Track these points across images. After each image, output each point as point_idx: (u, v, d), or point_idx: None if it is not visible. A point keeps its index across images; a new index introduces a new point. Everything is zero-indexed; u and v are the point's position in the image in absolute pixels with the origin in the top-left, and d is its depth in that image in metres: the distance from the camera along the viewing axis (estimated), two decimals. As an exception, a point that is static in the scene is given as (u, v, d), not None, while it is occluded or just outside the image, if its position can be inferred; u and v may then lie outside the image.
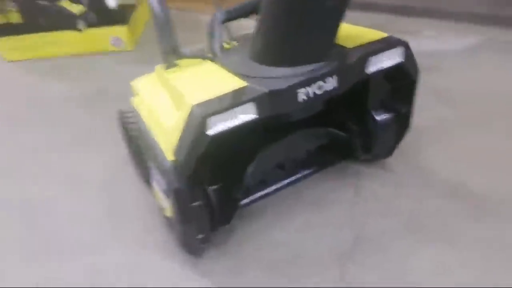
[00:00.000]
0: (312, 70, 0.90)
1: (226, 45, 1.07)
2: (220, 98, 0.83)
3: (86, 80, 2.07)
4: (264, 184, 1.19)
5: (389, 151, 1.23)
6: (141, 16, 2.56)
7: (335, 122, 1.22)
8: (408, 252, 1.01)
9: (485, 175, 1.21)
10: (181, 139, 0.83)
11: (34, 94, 1.99)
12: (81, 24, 2.29)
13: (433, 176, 1.23)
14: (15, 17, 2.26)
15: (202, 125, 0.79)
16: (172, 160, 0.86)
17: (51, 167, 1.45)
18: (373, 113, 1.16)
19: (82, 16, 2.27)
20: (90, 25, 2.30)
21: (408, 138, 1.18)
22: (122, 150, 1.38)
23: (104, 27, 2.30)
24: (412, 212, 1.12)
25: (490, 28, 2.14)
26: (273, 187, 1.20)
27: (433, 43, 2.06)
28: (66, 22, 2.28)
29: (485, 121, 1.45)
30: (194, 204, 0.91)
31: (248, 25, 1.02)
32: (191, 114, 0.81)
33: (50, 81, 2.10)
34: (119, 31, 2.31)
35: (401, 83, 1.09)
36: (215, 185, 1.02)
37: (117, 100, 1.30)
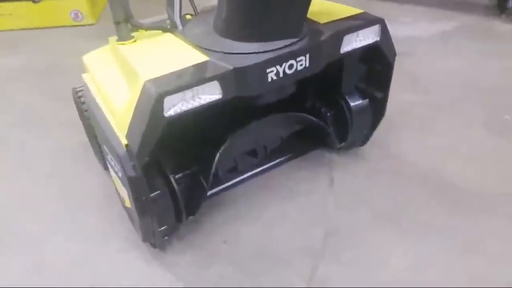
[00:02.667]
0: (283, 46, 0.81)
1: (188, 16, 0.97)
2: (178, 74, 0.73)
3: (41, 54, 1.91)
4: (234, 172, 1.11)
5: (364, 139, 1.18)
6: (104, -13, 2.39)
7: (308, 107, 1.15)
8: (381, 247, 0.97)
9: (458, 164, 1.19)
10: (133, 121, 0.73)
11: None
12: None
13: (406, 165, 1.19)
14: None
15: (157, 106, 0.70)
16: (126, 145, 0.76)
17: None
18: (348, 98, 1.10)
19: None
20: (46, -5, 2.12)
21: (381, 124, 1.14)
22: (79, 132, 1.25)
23: (62, -2, 2.13)
24: (386, 204, 1.07)
25: (464, 15, 2.14)
26: (244, 176, 1.12)
27: (407, 29, 2.03)
28: (19, -9, 2.10)
29: (458, 108, 1.43)
30: (153, 194, 0.82)
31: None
32: (143, 92, 0.71)
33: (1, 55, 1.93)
34: (78, 2, 2.14)
35: (377, 65, 1.04)
36: (180, 173, 0.93)
37: (75, 77, 1.17)
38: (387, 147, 1.25)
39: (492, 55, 1.74)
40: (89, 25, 2.20)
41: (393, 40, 0.98)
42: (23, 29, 2.18)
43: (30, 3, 2.13)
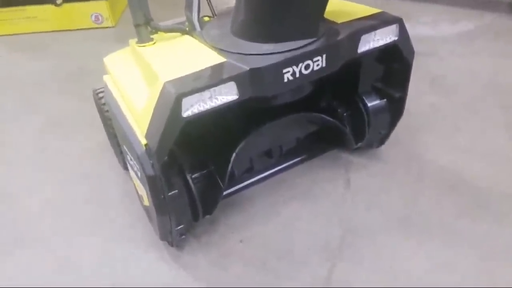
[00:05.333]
0: (299, 47, 0.81)
1: (206, 18, 0.98)
2: (196, 76, 0.74)
3: (65, 57, 1.97)
4: (250, 172, 1.11)
5: (382, 140, 1.17)
6: (123, -9, 2.44)
7: (324, 107, 1.15)
8: (399, 250, 0.95)
9: (480, 166, 1.16)
10: (153, 121, 0.75)
11: (6, 72, 1.89)
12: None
13: (426, 167, 1.17)
14: (-13, -10, 2.14)
15: (176, 106, 0.71)
16: (145, 145, 0.78)
17: (22, 151, 1.37)
18: (365, 98, 1.10)
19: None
20: (68, -1, 2.18)
21: (401, 126, 1.12)
22: (102, 133, 1.29)
23: (83, 2, 2.18)
24: (405, 206, 1.06)
25: (486, 13, 2.09)
26: (260, 176, 1.13)
27: (428, 29, 2.00)
28: (42, -5, 2.17)
29: (480, 109, 1.40)
30: (171, 193, 0.83)
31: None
32: (162, 93, 0.72)
33: (25, 58, 2.00)
34: (99, 6, 2.19)
35: (395, 65, 1.02)
36: (197, 172, 0.94)
37: (96, 79, 1.20)
38: (406, 148, 1.23)
39: (516, 55, 1.70)
40: (108, 27, 2.25)
41: (414, 40, 0.97)
42: (46, 31, 2.24)
43: (53, 6, 2.19)
